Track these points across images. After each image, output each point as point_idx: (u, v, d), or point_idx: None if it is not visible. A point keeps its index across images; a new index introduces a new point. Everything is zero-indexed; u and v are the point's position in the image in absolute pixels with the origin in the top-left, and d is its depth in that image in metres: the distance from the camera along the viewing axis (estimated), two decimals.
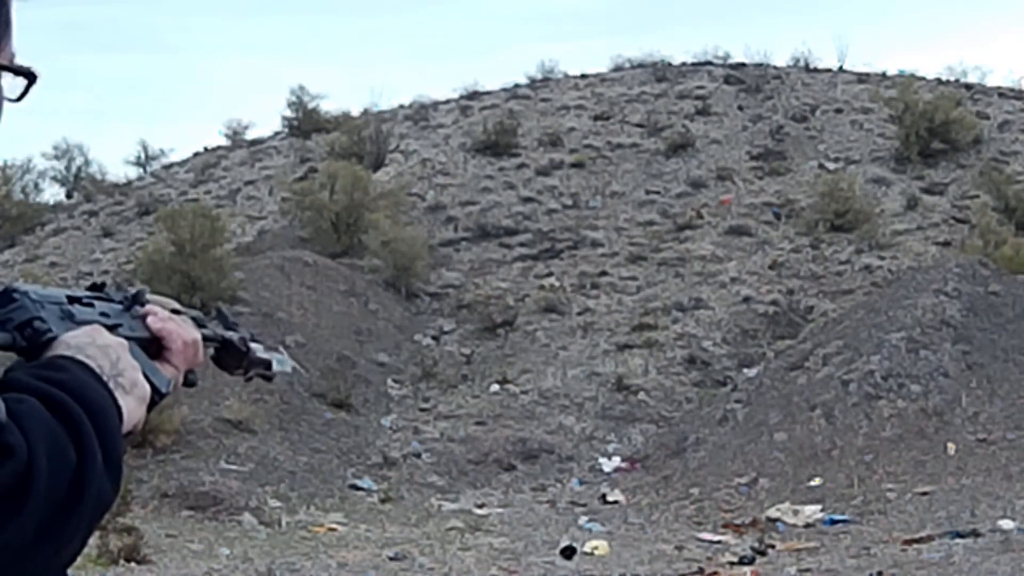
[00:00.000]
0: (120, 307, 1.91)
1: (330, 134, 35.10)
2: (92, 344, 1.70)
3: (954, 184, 30.44)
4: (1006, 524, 16.18)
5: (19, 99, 1.69)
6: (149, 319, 1.92)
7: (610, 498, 19.65)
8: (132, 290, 1.97)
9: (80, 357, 1.66)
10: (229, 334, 2.17)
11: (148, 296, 2.01)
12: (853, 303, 24.62)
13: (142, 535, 15.50)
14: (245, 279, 25.10)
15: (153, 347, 1.92)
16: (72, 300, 1.83)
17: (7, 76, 1.68)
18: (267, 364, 2.21)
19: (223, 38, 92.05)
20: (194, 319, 2.08)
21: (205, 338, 2.08)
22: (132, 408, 1.69)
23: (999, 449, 19.10)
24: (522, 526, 18.16)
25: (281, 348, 2.38)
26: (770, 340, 24.82)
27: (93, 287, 1.93)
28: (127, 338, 1.88)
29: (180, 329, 1.94)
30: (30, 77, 1.69)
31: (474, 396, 23.54)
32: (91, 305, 1.86)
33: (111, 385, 1.67)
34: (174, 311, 2.03)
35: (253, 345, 2.21)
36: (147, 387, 1.74)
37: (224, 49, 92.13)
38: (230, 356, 2.17)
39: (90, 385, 1.64)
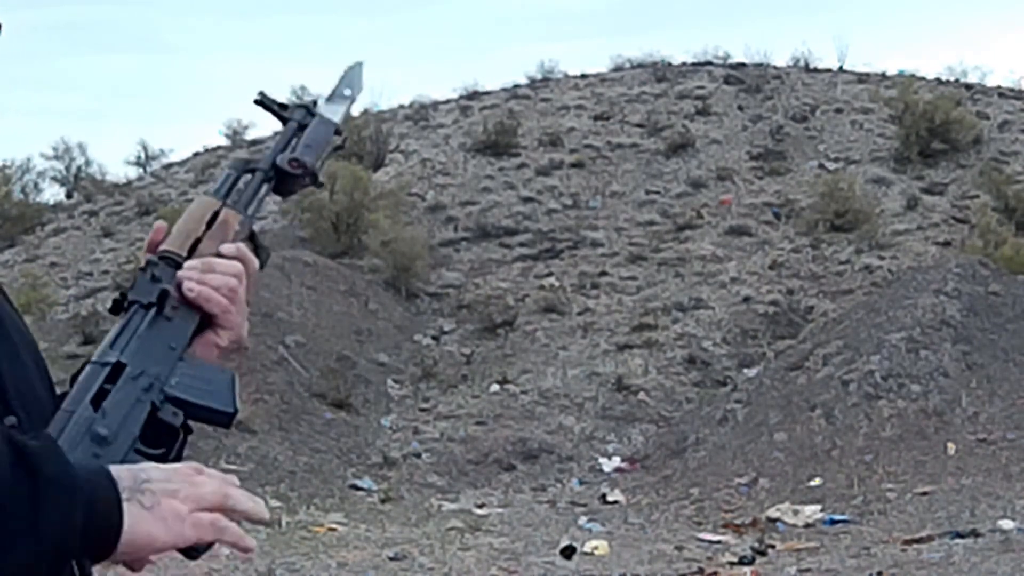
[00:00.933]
0: (151, 317, 1.74)
1: None
2: (121, 466, 1.60)
3: (954, 184, 30.43)
4: (1006, 524, 16.17)
5: None
6: (184, 287, 1.76)
7: (610, 498, 19.64)
8: (161, 286, 1.76)
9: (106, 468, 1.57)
10: (280, 157, 1.93)
11: (170, 243, 1.80)
12: (853, 303, 24.60)
13: None
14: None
15: (205, 313, 1.78)
16: (99, 398, 1.67)
17: None
18: (326, 143, 1.97)
19: (223, 38, 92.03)
20: (237, 173, 1.88)
21: (249, 200, 1.87)
22: (147, 524, 1.56)
23: (999, 449, 19.09)
24: (522, 526, 18.15)
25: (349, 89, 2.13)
26: (770, 340, 24.81)
27: (117, 303, 1.74)
28: (180, 357, 1.75)
29: (216, 282, 1.77)
30: None
31: (474, 396, 23.53)
32: (119, 371, 1.69)
33: (124, 496, 1.55)
34: (210, 221, 1.82)
35: (320, 112, 1.96)
36: (183, 509, 1.60)
37: (224, 49, 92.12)
38: (287, 184, 1.96)
39: (61, 463, 1.52)
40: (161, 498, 1.59)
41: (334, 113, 2.01)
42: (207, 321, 1.80)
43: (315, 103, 2.02)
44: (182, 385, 1.74)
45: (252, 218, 1.90)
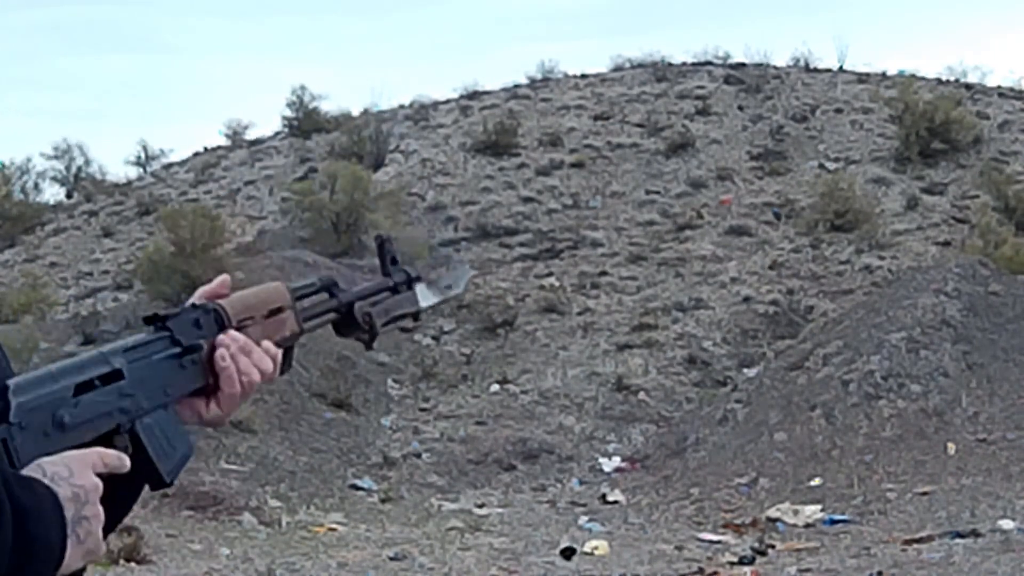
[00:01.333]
0: (171, 353, 1.76)
1: (330, 134, 35.10)
2: (67, 480, 1.61)
3: (954, 184, 30.43)
4: (1006, 524, 16.18)
5: None
6: (218, 354, 1.80)
7: (610, 498, 19.64)
8: (198, 336, 1.78)
9: (55, 489, 1.59)
10: (360, 304, 1.99)
11: (229, 305, 1.83)
12: (853, 303, 24.60)
13: (142, 535, 15.50)
14: (245, 279, 25.02)
15: (213, 382, 1.82)
16: (84, 388, 1.67)
17: None
18: (402, 317, 2.03)
19: (223, 38, 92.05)
20: (320, 287, 1.93)
21: (313, 316, 1.92)
22: (74, 559, 1.61)
23: (999, 449, 19.10)
24: (522, 526, 18.16)
25: (454, 267, 2.22)
26: (770, 340, 24.81)
27: (155, 319, 1.76)
28: (165, 404, 1.75)
29: (244, 366, 1.81)
30: None
31: (474, 396, 23.54)
32: (115, 378, 1.70)
33: (68, 530, 1.59)
34: (272, 312, 1.87)
35: (416, 290, 2.02)
36: (101, 544, 1.63)
37: (224, 49, 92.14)
38: (346, 326, 2.01)
39: (50, 523, 1.56)
40: (92, 526, 1.62)
41: (426, 298, 2.11)
42: (208, 389, 1.83)
43: (419, 277, 2.11)
44: (149, 430, 1.76)
45: (303, 333, 1.96)
